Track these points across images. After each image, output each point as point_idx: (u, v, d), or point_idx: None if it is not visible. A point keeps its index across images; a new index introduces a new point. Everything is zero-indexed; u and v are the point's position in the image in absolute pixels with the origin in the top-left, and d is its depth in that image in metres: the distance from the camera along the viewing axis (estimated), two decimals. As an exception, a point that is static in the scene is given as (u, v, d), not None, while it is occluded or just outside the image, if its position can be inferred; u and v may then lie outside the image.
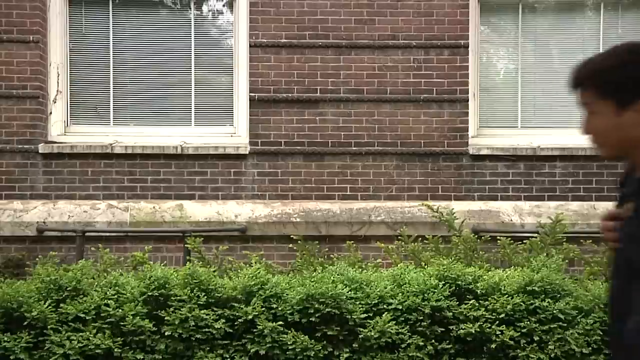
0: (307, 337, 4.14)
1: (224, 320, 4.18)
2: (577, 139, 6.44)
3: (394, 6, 6.28)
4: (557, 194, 6.30)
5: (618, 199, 2.06)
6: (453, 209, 5.66)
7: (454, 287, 4.31)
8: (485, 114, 6.54)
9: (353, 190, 6.22)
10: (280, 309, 4.22)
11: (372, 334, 4.12)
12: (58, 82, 6.36)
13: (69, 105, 6.44)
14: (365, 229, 6.02)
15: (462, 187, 6.29)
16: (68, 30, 6.41)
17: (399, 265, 4.73)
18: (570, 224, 5.74)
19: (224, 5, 6.58)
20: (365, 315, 4.20)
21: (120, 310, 4.17)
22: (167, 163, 6.24)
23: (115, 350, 4.10)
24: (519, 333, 4.19)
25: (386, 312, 4.19)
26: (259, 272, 4.36)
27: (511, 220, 6.14)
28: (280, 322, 4.16)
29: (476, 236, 5.32)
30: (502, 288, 4.35)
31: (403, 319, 4.22)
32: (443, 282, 4.31)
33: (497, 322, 4.20)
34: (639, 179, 1.94)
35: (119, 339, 4.13)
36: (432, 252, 5.10)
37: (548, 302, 4.25)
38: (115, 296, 4.28)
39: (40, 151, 6.16)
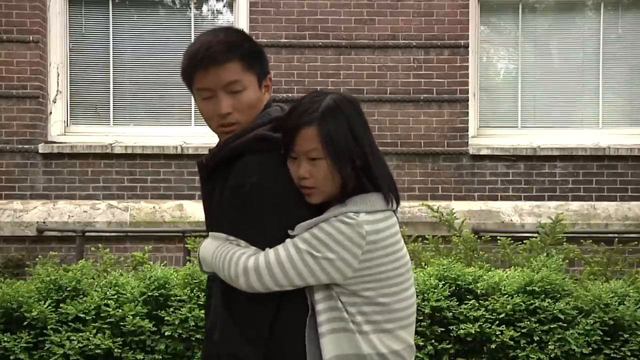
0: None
1: (224, 320, 4.18)
2: (577, 139, 6.45)
3: (394, 6, 6.28)
4: (557, 194, 6.30)
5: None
6: (453, 209, 5.66)
7: (454, 287, 4.31)
8: (485, 114, 6.54)
9: (353, 190, 6.21)
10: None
11: (372, 334, 4.11)
12: (58, 82, 6.36)
13: (69, 105, 6.44)
14: (365, 229, 6.01)
15: (462, 187, 6.29)
16: (68, 30, 6.41)
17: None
18: (570, 224, 5.75)
19: (224, 6, 6.58)
20: (365, 315, 4.19)
21: (120, 310, 4.17)
22: (167, 163, 6.24)
23: (115, 350, 4.10)
24: (519, 333, 4.19)
25: (386, 312, 4.18)
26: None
27: (511, 220, 6.14)
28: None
29: (476, 236, 5.32)
30: (502, 288, 4.34)
31: (403, 319, 4.21)
32: (443, 282, 4.30)
33: (497, 322, 4.19)
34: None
35: (119, 339, 4.13)
36: (432, 252, 5.10)
37: (548, 302, 4.24)
38: (115, 296, 4.27)
39: (40, 151, 6.16)
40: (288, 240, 1.82)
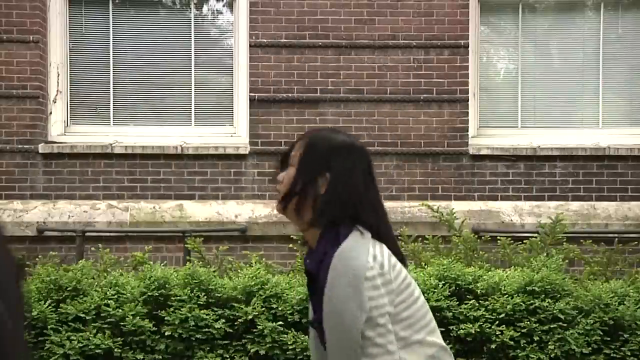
0: (307, 337, 4.14)
1: (224, 320, 4.19)
2: (577, 139, 6.45)
3: (394, 6, 6.28)
4: (557, 194, 6.30)
5: None
6: (453, 209, 5.66)
7: (454, 287, 4.31)
8: (485, 114, 6.54)
9: (353, 190, 6.20)
10: (280, 309, 4.22)
11: (372, 334, 4.11)
12: (58, 82, 6.36)
13: (69, 105, 6.44)
14: (365, 229, 6.01)
15: (462, 187, 6.28)
16: (68, 30, 6.41)
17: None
18: (570, 224, 5.74)
19: (224, 5, 6.58)
20: (365, 315, 4.18)
21: (120, 310, 4.17)
22: (167, 163, 6.24)
23: (115, 350, 4.10)
24: (519, 333, 4.19)
25: (386, 312, 4.18)
26: (259, 272, 4.36)
27: (511, 220, 6.14)
28: (280, 322, 4.16)
29: (476, 236, 5.32)
30: (502, 288, 4.34)
31: (403, 319, 4.21)
32: (443, 282, 4.30)
33: (497, 322, 4.20)
34: None
35: (119, 339, 4.13)
36: (432, 252, 5.10)
37: (548, 302, 4.24)
38: (115, 296, 4.27)
39: (40, 151, 6.16)
40: (378, 338, 1.88)
